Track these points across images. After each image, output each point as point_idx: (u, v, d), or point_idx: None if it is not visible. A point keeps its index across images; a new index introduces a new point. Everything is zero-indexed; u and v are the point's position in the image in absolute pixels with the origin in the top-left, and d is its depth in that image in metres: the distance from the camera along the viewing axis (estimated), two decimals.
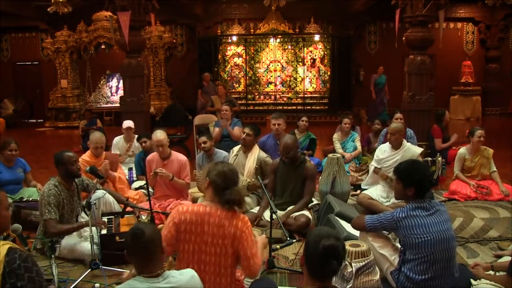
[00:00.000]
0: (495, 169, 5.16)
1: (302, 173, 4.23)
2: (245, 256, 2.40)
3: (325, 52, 12.93)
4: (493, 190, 5.06)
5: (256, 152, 4.74)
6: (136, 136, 6.05)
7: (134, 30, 6.72)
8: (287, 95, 13.06)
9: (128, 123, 6.01)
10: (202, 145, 4.95)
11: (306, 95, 13.01)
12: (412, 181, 2.81)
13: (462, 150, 5.32)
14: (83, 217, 3.81)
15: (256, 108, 12.98)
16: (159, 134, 4.46)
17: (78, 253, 3.54)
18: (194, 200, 4.67)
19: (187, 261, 2.44)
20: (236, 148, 4.92)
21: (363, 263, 2.76)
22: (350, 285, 2.71)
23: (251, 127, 4.78)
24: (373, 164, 4.90)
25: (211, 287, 2.42)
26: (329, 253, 1.91)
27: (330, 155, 4.77)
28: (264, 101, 13.11)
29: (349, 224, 3.47)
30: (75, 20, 11.96)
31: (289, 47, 13.03)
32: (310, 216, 4.13)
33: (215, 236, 2.40)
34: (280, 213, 4.02)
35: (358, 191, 5.14)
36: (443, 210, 2.83)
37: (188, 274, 2.12)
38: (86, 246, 3.51)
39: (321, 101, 12.94)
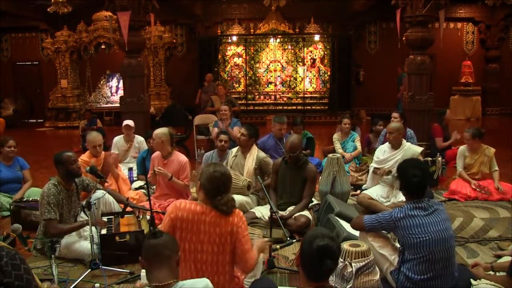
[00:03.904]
0: (496, 168, 5.14)
1: (303, 174, 4.23)
2: (240, 251, 2.41)
3: (325, 52, 12.93)
4: (492, 190, 5.06)
5: (255, 152, 4.74)
6: (136, 136, 6.07)
7: (134, 30, 6.72)
8: (287, 95, 13.05)
9: (127, 121, 6.01)
10: (223, 143, 4.99)
11: (306, 95, 13.00)
12: (400, 177, 2.89)
13: (462, 147, 5.34)
14: (83, 217, 3.81)
15: (256, 108, 12.97)
16: (156, 130, 4.49)
17: (78, 252, 3.54)
18: (195, 200, 4.66)
19: (184, 260, 2.44)
20: (235, 149, 4.93)
21: (363, 263, 2.76)
22: (350, 285, 2.71)
23: (246, 127, 4.80)
24: (373, 165, 4.90)
25: None
26: (323, 253, 1.91)
27: (330, 155, 4.77)
28: (264, 101, 13.11)
29: (349, 224, 3.47)
30: (75, 20, 11.97)
31: (289, 47, 13.03)
32: (310, 216, 4.13)
33: (211, 234, 2.40)
34: (280, 213, 4.02)
35: (358, 191, 5.14)
36: (441, 210, 2.82)
37: (202, 284, 2.02)
38: (85, 245, 3.51)
39: (321, 101, 12.94)
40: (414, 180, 2.79)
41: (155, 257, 1.94)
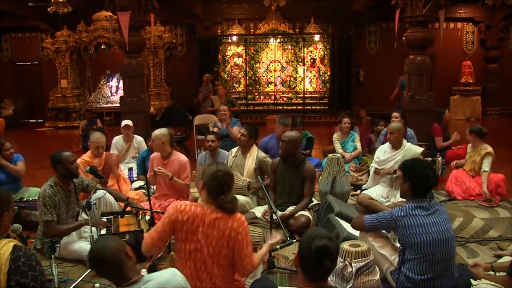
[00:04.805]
0: (486, 169, 4.96)
1: (301, 173, 4.22)
2: (238, 256, 2.41)
3: (325, 52, 12.93)
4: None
5: (255, 152, 4.74)
6: (135, 136, 6.06)
7: (134, 30, 6.72)
8: (287, 95, 13.05)
9: (126, 122, 6.00)
10: (210, 143, 4.99)
11: (306, 95, 13.00)
12: (408, 175, 2.85)
13: (470, 144, 5.38)
14: (83, 217, 3.81)
15: (256, 108, 12.97)
16: (155, 131, 4.49)
17: (77, 253, 3.54)
18: (195, 200, 4.66)
19: (184, 260, 2.45)
20: (234, 149, 4.93)
21: (363, 263, 2.76)
22: (350, 285, 2.71)
23: (246, 127, 4.79)
24: (373, 165, 4.89)
25: (207, 287, 2.42)
26: (322, 253, 1.92)
27: (330, 155, 4.77)
28: (264, 101, 13.10)
29: (349, 224, 3.46)
30: (75, 20, 11.97)
31: (289, 47, 13.02)
32: (310, 216, 4.13)
33: (209, 236, 2.41)
34: (279, 213, 4.01)
35: (358, 191, 5.14)
36: (442, 210, 2.82)
37: (168, 273, 2.08)
38: (84, 246, 3.51)
39: (321, 101, 12.93)
40: (428, 180, 2.80)
41: (112, 269, 1.95)
